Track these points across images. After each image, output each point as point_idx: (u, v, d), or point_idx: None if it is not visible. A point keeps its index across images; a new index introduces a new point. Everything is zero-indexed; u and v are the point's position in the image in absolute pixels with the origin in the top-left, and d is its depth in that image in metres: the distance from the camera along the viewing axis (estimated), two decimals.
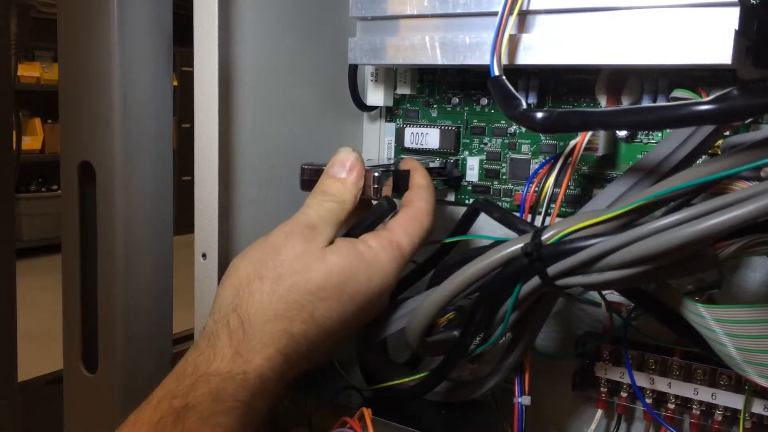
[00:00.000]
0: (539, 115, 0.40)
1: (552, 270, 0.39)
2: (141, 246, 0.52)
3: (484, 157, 0.56)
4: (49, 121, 3.26)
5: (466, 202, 0.58)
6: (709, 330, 0.38)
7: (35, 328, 1.76)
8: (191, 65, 0.47)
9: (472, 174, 0.57)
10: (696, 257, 0.35)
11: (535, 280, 0.41)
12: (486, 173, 0.56)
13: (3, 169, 0.71)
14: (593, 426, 0.51)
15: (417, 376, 0.50)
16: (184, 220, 0.76)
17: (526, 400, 0.47)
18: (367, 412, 0.45)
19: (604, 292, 0.50)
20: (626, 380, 0.49)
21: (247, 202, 0.50)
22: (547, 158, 0.51)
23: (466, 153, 0.57)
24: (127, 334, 0.52)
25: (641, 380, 0.49)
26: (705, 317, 0.38)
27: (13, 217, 0.73)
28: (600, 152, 0.50)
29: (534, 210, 0.50)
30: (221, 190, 0.48)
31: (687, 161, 0.41)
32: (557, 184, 0.49)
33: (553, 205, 0.49)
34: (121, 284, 0.52)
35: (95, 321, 0.53)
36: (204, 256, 0.48)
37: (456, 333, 0.48)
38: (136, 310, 0.53)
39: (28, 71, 3.12)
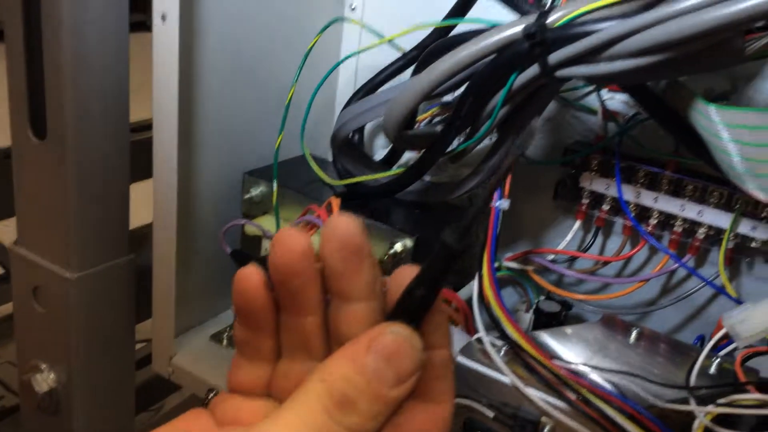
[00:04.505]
0: None
1: (554, 57, 0.35)
2: None
3: None
4: None
5: None
6: (716, 137, 0.35)
7: None
8: None
9: None
10: (720, 47, 0.31)
11: (534, 69, 0.37)
12: None
13: None
14: (569, 236, 0.49)
15: (392, 173, 0.47)
16: None
17: (504, 204, 0.44)
18: (336, 201, 0.43)
19: (603, 98, 0.46)
20: (611, 192, 0.47)
21: None
22: None
23: None
24: (76, 96, 0.47)
25: (627, 193, 0.46)
26: (714, 121, 0.34)
27: None
28: None
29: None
30: None
31: None
32: None
33: None
34: (69, 41, 0.46)
35: (42, 83, 0.47)
36: (163, 18, 0.42)
37: (438, 129, 0.44)
38: (85, 67, 0.47)
39: None
